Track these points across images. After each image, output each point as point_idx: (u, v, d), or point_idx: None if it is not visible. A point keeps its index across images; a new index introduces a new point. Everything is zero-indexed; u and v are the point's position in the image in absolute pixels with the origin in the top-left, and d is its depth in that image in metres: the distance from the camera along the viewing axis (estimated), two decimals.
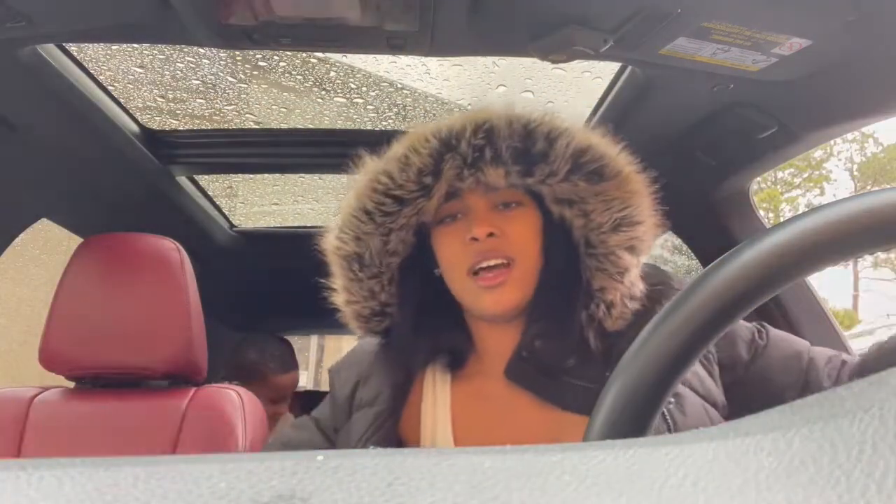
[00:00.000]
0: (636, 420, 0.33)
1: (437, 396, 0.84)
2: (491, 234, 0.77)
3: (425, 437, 0.81)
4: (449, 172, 0.76)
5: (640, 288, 0.78)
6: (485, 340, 0.86)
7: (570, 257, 0.80)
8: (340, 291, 0.87)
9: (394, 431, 0.81)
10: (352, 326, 0.89)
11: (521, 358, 0.79)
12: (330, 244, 0.85)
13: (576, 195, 0.77)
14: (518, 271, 0.78)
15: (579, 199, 0.77)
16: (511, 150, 0.76)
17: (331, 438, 0.89)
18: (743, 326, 0.81)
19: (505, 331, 0.82)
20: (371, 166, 0.83)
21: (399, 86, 1.62)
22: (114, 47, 1.33)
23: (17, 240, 1.51)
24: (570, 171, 0.75)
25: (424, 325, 0.85)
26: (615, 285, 0.76)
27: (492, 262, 0.77)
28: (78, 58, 1.18)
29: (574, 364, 0.77)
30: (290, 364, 2.18)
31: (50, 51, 1.08)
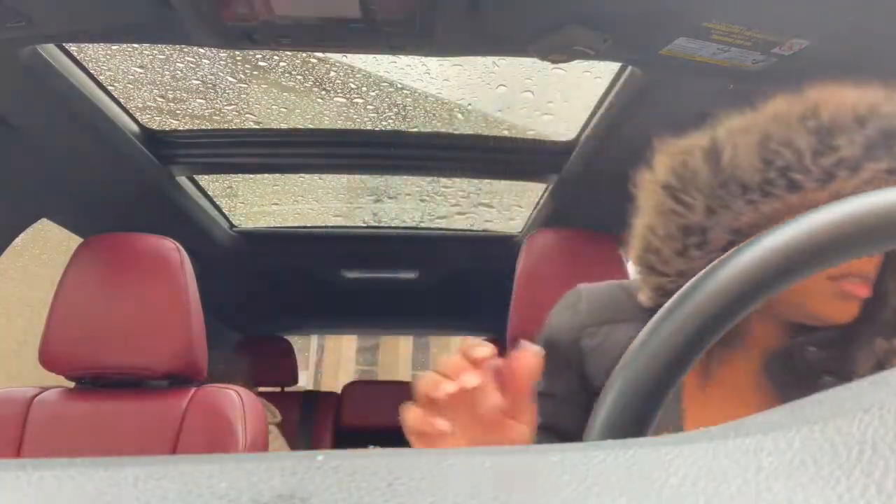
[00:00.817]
0: (637, 420, 0.33)
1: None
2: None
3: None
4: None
5: None
6: (751, 324, 0.77)
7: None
8: (661, 262, 0.74)
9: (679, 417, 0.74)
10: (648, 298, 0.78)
11: (787, 355, 0.73)
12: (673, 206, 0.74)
13: None
14: (868, 288, 0.70)
15: None
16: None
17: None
18: None
19: (776, 322, 0.76)
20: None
21: (399, 86, 1.62)
22: (114, 47, 1.33)
23: (18, 239, 1.51)
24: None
25: None
26: None
27: (857, 279, 0.70)
28: (78, 58, 1.18)
29: (831, 383, 0.69)
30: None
31: (50, 51, 1.08)
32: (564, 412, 0.79)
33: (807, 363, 0.73)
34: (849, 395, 0.19)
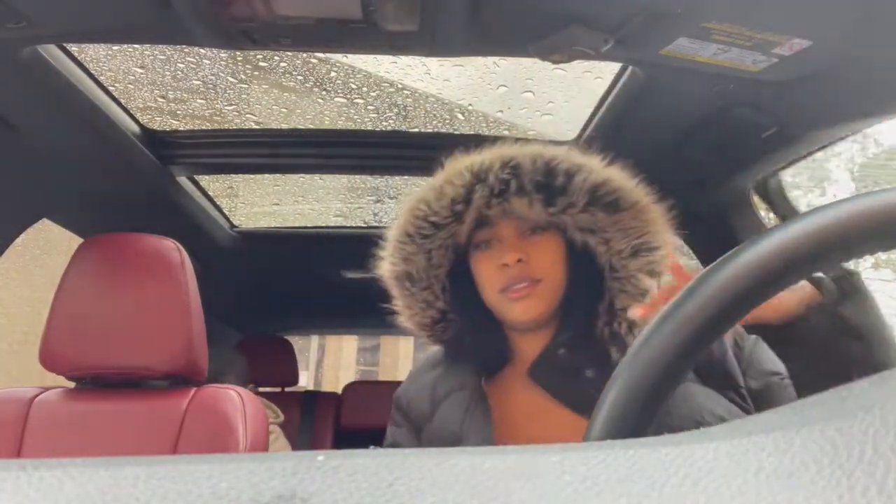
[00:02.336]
0: (637, 420, 0.33)
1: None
2: (519, 260, 0.86)
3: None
4: (478, 201, 0.87)
5: None
6: (517, 345, 0.95)
7: (595, 279, 0.89)
8: (402, 309, 0.98)
9: (488, 410, 0.89)
10: (422, 337, 1.00)
11: (544, 361, 0.90)
12: (384, 269, 0.97)
13: (595, 224, 0.87)
14: (543, 288, 0.87)
15: (599, 229, 0.87)
16: (534, 183, 0.85)
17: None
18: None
19: (534, 339, 0.92)
20: (412, 196, 0.95)
21: (399, 86, 1.62)
22: (114, 48, 1.33)
23: (18, 240, 1.51)
24: (588, 202, 0.85)
25: (477, 328, 0.96)
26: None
27: (521, 286, 0.86)
28: (79, 58, 1.18)
29: (594, 375, 0.85)
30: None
31: (51, 51, 1.08)
32: None
33: (563, 362, 0.88)
34: (850, 395, 0.19)
